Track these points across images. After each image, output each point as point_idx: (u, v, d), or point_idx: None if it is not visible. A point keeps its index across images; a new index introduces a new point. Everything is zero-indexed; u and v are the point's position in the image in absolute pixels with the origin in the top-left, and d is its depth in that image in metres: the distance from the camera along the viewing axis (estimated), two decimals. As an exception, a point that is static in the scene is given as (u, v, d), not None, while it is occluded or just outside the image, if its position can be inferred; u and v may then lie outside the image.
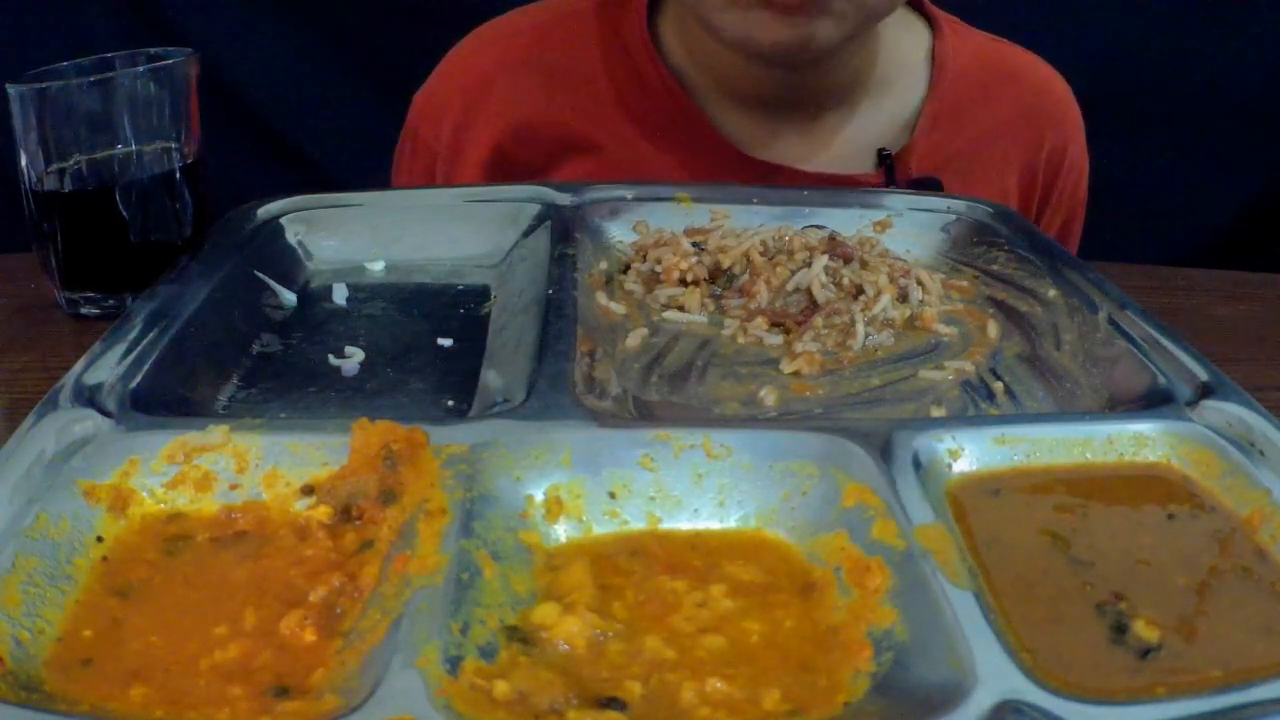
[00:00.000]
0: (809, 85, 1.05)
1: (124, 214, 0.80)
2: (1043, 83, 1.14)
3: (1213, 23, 1.59)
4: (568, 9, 1.09)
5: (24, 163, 0.79)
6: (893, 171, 1.05)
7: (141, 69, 0.81)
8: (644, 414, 0.65)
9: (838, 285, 0.78)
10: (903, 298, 0.78)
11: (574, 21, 1.07)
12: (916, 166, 1.06)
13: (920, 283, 0.80)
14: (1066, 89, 1.15)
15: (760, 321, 0.76)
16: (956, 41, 1.11)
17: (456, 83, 1.08)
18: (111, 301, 0.81)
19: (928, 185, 1.04)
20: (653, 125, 1.04)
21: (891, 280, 0.79)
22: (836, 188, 1.00)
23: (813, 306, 0.76)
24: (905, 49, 1.10)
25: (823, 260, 0.79)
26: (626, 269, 0.85)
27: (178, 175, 0.83)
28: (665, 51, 1.06)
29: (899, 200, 0.94)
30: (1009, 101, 1.11)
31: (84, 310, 0.81)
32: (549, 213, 0.88)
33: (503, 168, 1.05)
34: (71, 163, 0.80)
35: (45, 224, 0.80)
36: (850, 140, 1.08)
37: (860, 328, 0.74)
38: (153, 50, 0.84)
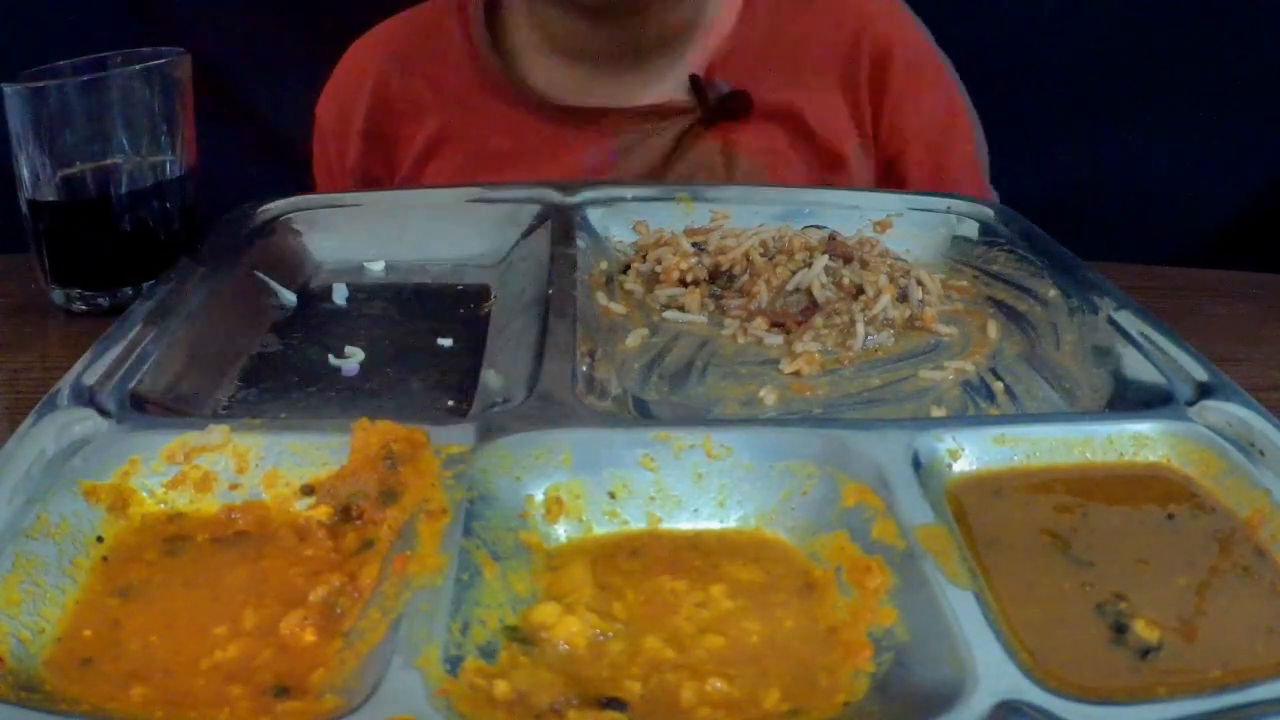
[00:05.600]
0: (634, 36, 1.10)
1: (115, 210, 0.80)
2: (846, 7, 1.15)
3: (1214, 20, 1.59)
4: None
5: (17, 159, 0.79)
6: (703, 92, 1.09)
7: (135, 68, 0.81)
8: (644, 414, 0.65)
9: (838, 285, 0.78)
10: (903, 298, 0.78)
11: (436, 8, 1.18)
12: (732, 79, 1.09)
13: (920, 283, 0.80)
14: (894, 23, 1.15)
15: (760, 322, 0.76)
16: None
17: (342, 72, 1.21)
18: (101, 300, 0.81)
19: (737, 100, 1.08)
20: (480, 87, 1.13)
21: (891, 280, 0.79)
22: (658, 120, 1.07)
23: (813, 306, 0.76)
24: None
25: (823, 260, 0.79)
26: (626, 269, 0.85)
27: (169, 175, 0.83)
28: (504, 19, 1.15)
29: (899, 200, 0.94)
30: (819, 6, 1.14)
31: (74, 306, 0.81)
32: (549, 213, 0.88)
33: (372, 135, 1.17)
34: (63, 160, 0.80)
35: (37, 222, 0.80)
36: (675, 77, 1.12)
37: (860, 328, 0.74)
38: (146, 50, 0.84)
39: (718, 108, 1.09)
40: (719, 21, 1.12)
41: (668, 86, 1.11)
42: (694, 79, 1.10)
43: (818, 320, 0.75)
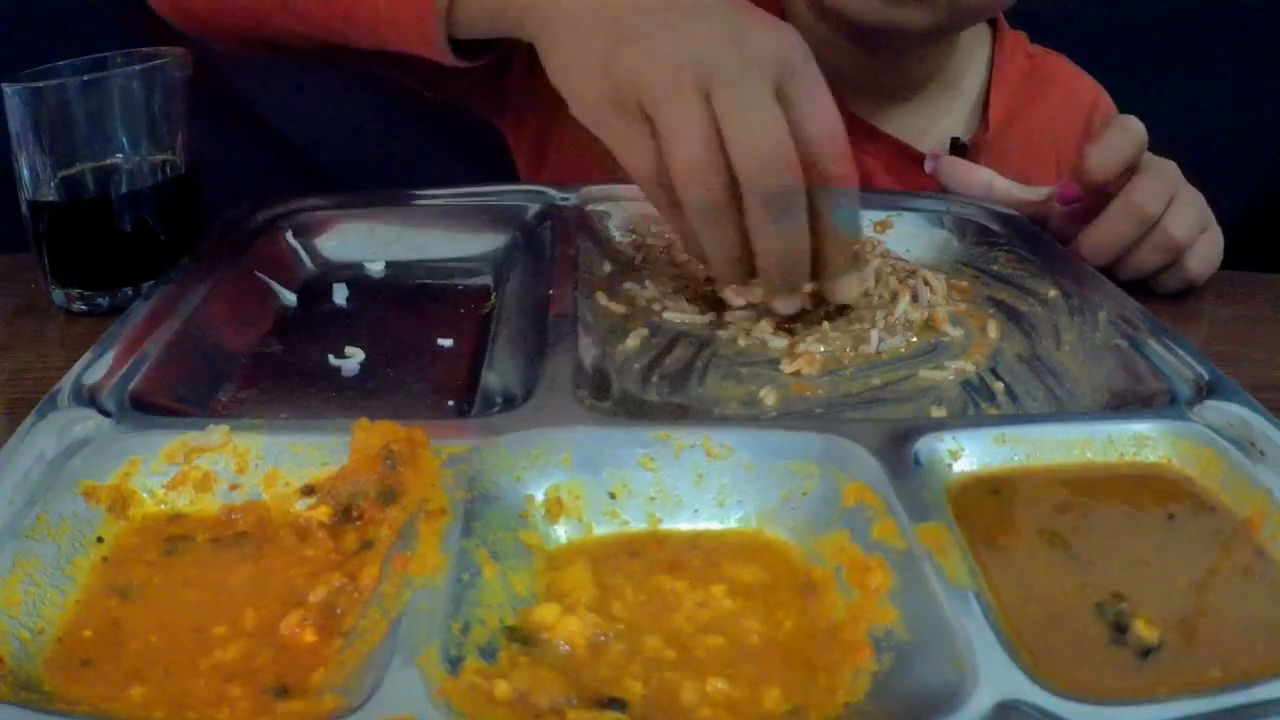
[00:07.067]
0: (890, 71, 1.08)
1: (115, 210, 0.80)
2: (1082, 89, 1.18)
3: (1213, 19, 1.59)
4: None
5: (17, 159, 0.79)
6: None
7: (135, 68, 0.81)
8: (644, 414, 0.65)
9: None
10: (914, 299, 0.78)
11: None
12: (983, 161, 1.08)
13: (927, 283, 0.80)
14: (1109, 102, 1.19)
15: (765, 324, 0.75)
16: (1014, 46, 1.16)
17: None
18: (101, 300, 0.81)
19: None
20: None
21: (900, 282, 0.79)
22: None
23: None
24: (974, 49, 1.14)
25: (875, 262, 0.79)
26: (627, 269, 0.85)
27: (169, 175, 0.83)
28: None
29: (899, 200, 0.94)
30: (1052, 106, 1.15)
31: (74, 307, 0.81)
32: (549, 213, 0.88)
33: None
34: (64, 160, 0.80)
35: (37, 222, 0.80)
36: (920, 129, 1.11)
37: (875, 334, 0.74)
38: (146, 50, 0.84)
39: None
40: (962, 90, 1.13)
41: (911, 136, 1.10)
42: (957, 142, 1.09)
43: (825, 325, 0.75)
